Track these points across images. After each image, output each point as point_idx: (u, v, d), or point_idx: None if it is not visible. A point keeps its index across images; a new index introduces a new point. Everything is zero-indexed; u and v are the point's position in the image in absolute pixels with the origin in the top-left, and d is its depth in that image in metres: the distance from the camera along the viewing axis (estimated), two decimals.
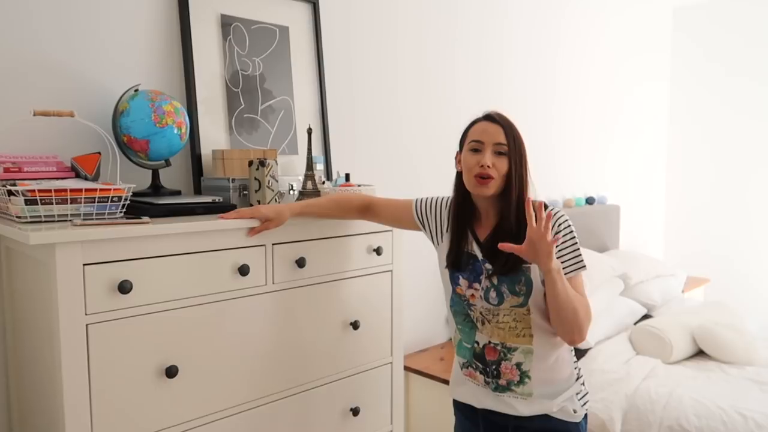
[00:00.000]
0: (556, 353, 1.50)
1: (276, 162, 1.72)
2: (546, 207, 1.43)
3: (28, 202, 1.35)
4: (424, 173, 2.73)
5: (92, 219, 1.40)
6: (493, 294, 1.48)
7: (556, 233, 1.44)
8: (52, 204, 1.37)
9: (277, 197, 1.71)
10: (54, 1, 1.65)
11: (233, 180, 1.74)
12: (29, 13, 1.61)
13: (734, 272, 4.31)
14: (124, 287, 1.32)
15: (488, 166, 1.43)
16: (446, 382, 2.27)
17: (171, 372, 1.41)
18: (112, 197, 1.44)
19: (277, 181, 1.71)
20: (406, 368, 2.53)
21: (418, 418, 2.61)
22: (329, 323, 1.77)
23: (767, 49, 4.11)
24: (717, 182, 4.39)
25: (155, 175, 1.74)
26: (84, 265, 1.28)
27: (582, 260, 1.47)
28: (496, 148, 1.44)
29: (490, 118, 1.48)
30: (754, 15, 4.15)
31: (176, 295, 1.43)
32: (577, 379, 1.55)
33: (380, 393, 1.94)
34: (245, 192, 1.75)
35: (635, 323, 3.10)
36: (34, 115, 1.48)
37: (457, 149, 1.55)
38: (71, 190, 1.39)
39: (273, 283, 1.62)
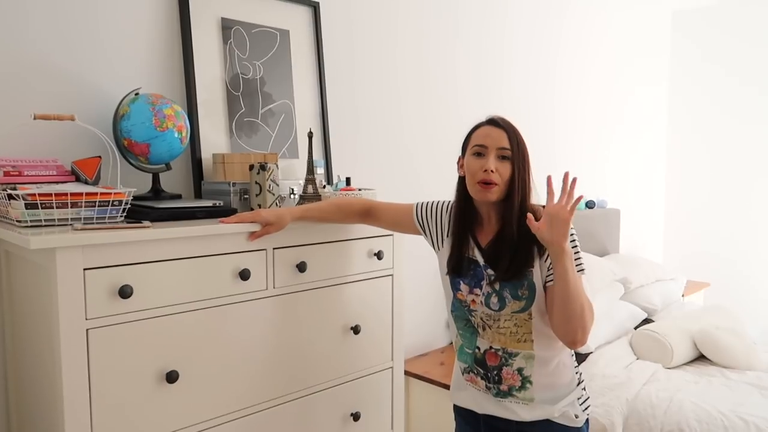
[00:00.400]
0: (557, 358, 1.50)
1: (277, 166, 1.71)
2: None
3: (28, 206, 1.34)
4: (426, 177, 2.72)
5: (93, 223, 1.40)
6: (494, 299, 1.47)
7: None
8: (52, 208, 1.37)
9: (277, 201, 1.70)
10: (54, 5, 1.65)
11: (234, 184, 1.74)
12: (30, 17, 1.61)
13: (734, 276, 4.31)
14: (125, 292, 1.32)
15: (492, 171, 1.42)
16: (447, 386, 2.26)
17: (172, 377, 1.41)
18: (113, 201, 1.44)
19: (277, 185, 1.71)
20: (407, 373, 2.52)
21: (419, 423, 2.60)
22: (330, 328, 1.76)
23: (765, 50, 4.12)
24: (716, 186, 4.40)
25: (156, 178, 1.74)
26: (84, 269, 1.28)
27: (582, 263, 1.46)
28: (499, 153, 1.44)
29: (494, 122, 1.47)
30: (753, 18, 4.16)
31: (177, 299, 1.42)
32: (579, 383, 1.55)
33: (381, 398, 1.93)
34: (246, 196, 1.75)
35: (636, 327, 3.09)
36: (35, 118, 1.47)
37: (459, 154, 1.54)
38: (72, 194, 1.38)
39: (274, 287, 1.61)
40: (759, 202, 4.22)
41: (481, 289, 1.49)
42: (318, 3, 2.23)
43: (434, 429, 2.52)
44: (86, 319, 1.29)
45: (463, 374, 1.60)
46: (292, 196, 1.86)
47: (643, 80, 4.31)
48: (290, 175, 2.09)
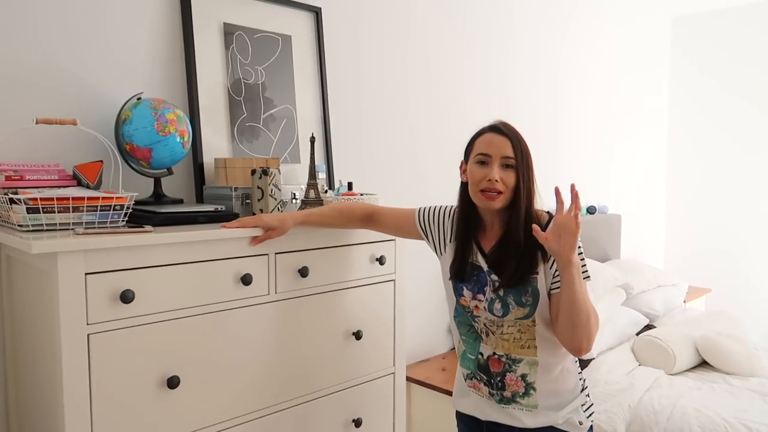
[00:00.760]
0: (561, 365, 1.49)
1: (278, 171, 1.71)
2: (551, 216, 1.43)
3: (30, 210, 1.34)
4: (428, 182, 2.72)
5: (94, 228, 1.40)
6: (497, 305, 1.46)
7: None
8: (54, 212, 1.36)
9: (279, 206, 1.70)
10: (56, 9, 1.65)
11: (236, 189, 1.73)
12: (32, 22, 1.61)
13: (735, 282, 4.30)
14: (126, 297, 1.31)
15: (496, 181, 1.41)
16: (449, 392, 2.25)
17: (173, 382, 1.40)
18: (115, 206, 1.44)
19: (279, 189, 1.70)
20: (409, 378, 2.51)
21: (421, 430, 2.58)
22: (332, 333, 1.75)
23: (766, 59, 4.13)
24: (717, 191, 4.39)
25: (157, 183, 1.73)
26: (86, 274, 1.27)
27: (587, 270, 1.45)
28: (503, 161, 1.42)
29: (497, 129, 1.46)
30: (752, 23, 4.17)
31: (178, 304, 1.42)
32: (582, 390, 1.54)
33: (383, 404, 1.92)
34: (248, 201, 1.74)
35: (637, 333, 3.08)
36: (37, 123, 1.47)
37: (462, 159, 1.54)
38: (73, 199, 1.38)
39: (276, 292, 1.61)
40: (760, 208, 4.22)
41: (484, 294, 1.48)
42: (320, 8, 2.23)
43: None
44: (87, 324, 1.28)
45: (465, 380, 1.59)
46: (293, 200, 1.85)
47: (645, 88, 4.32)
48: (292, 180, 2.08)
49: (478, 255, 1.50)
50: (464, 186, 1.52)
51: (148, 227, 1.41)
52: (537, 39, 3.33)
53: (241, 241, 1.52)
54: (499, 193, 1.41)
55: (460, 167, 1.54)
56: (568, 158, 3.63)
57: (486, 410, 1.55)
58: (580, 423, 1.49)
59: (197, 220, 1.58)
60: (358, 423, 1.83)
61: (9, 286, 1.55)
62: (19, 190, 1.41)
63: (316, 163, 1.84)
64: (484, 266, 1.48)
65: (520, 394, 1.48)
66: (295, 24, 2.16)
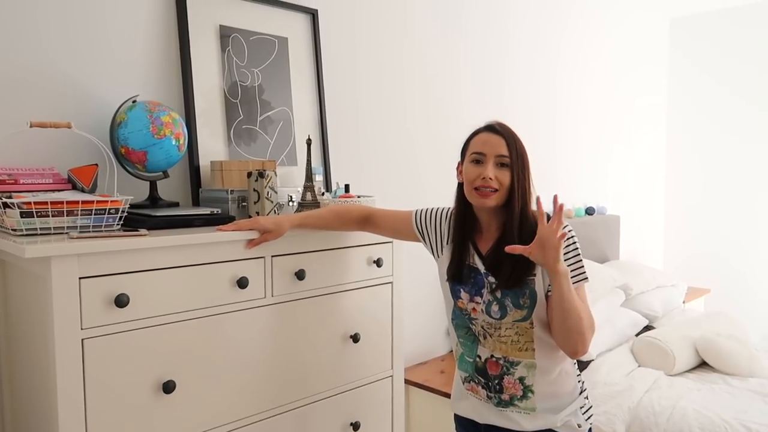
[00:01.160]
0: (559, 367, 1.48)
1: (275, 173, 1.70)
2: (548, 218, 1.42)
3: (24, 214, 1.33)
4: (425, 184, 2.71)
5: (89, 231, 1.39)
6: (495, 308, 1.46)
7: None
8: (48, 216, 1.35)
9: (276, 209, 1.69)
10: (51, 11, 1.64)
11: (232, 191, 1.73)
12: (26, 24, 1.60)
13: (735, 282, 4.30)
14: (121, 301, 1.30)
15: (490, 179, 1.41)
16: (447, 395, 2.24)
17: (168, 387, 1.39)
18: (109, 209, 1.43)
19: (276, 192, 1.69)
20: (407, 381, 2.50)
21: None
22: (329, 336, 1.74)
23: (764, 57, 4.13)
24: (716, 191, 4.39)
25: (153, 186, 1.73)
26: (80, 278, 1.26)
27: (585, 272, 1.45)
28: (498, 160, 1.42)
29: (492, 128, 1.46)
30: (750, 24, 4.17)
31: (174, 308, 1.41)
32: (581, 392, 1.53)
33: (381, 407, 1.91)
34: (244, 203, 1.73)
35: (637, 334, 3.07)
36: (31, 126, 1.46)
37: (459, 160, 1.53)
38: (68, 203, 1.37)
39: (272, 295, 1.60)
40: (759, 207, 4.22)
41: (481, 297, 1.47)
42: (316, 10, 2.23)
43: None
44: (82, 328, 1.27)
45: (463, 383, 1.58)
46: (290, 203, 1.85)
47: (642, 88, 4.32)
48: (289, 183, 2.07)
49: (475, 257, 1.49)
50: (461, 187, 1.51)
51: (143, 231, 1.40)
52: (534, 40, 3.33)
53: (237, 244, 1.51)
54: (494, 191, 1.41)
55: (457, 168, 1.53)
56: (567, 160, 3.63)
57: (484, 413, 1.54)
58: (579, 426, 1.48)
59: (193, 223, 1.57)
60: (356, 426, 1.82)
61: (4, 291, 1.54)
62: (13, 194, 1.40)
63: (312, 165, 1.84)
64: (482, 268, 1.48)
65: (518, 397, 1.47)
66: (291, 26, 2.16)
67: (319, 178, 2.06)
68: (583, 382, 1.55)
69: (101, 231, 1.41)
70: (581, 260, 1.44)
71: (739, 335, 2.93)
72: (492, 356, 1.49)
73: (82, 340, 1.27)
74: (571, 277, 1.42)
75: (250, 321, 1.55)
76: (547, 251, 1.32)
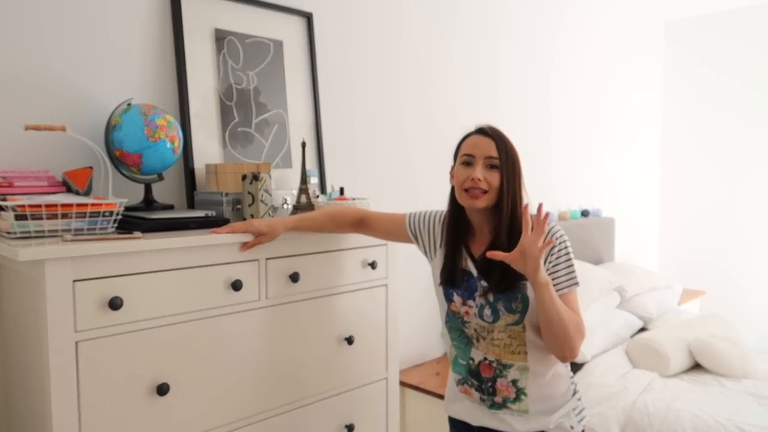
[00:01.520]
0: (552, 369, 1.48)
1: (269, 176, 1.71)
2: None
3: (18, 217, 1.33)
4: (420, 186, 2.72)
5: (83, 234, 1.39)
6: (487, 311, 1.46)
7: (552, 247, 1.43)
8: (42, 219, 1.35)
9: (270, 211, 1.70)
10: (45, 14, 1.64)
11: (226, 194, 1.73)
12: (20, 28, 1.60)
13: (729, 284, 4.31)
14: (115, 303, 1.31)
15: (479, 180, 1.41)
16: (442, 397, 2.25)
17: (162, 390, 1.39)
18: (104, 212, 1.43)
19: (270, 195, 1.70)
20: (402, 383, 2.51)
21: None
22: (324, 338, 1.75)
23: (759, 58, 4.15)
24: (711, 194, 4.41)
25: (148, 189, 1.73)
26: (74, 281, 1.26)
27: (575, 277, 1.45)
28: (487, 162, 1.43)
29: (482, 131, 1.47)
30: (745, 26, 4.19)
31: (168, 311, 1.41)
32: (574, 394, 1.54)
33: (376, 409, 1.91)
34: (238, 206, 1.74)
35: (632, 336, 3.08)
36: (26, 129, 1.47)
37: (452, 164, 1.54)
38: (62, 205, 1.37)
39: (266, 298, 1.60)
40: (753, 209, 4.23)
41: (474, 300, 1.48)
42: (311, 13, 2.23)
43: None
44: (75, 331, 1.27)
45: (457, 385, 1.59)
46: (285, 206, 1.85)
47: (637, 89, 4.34)
48: (284, 185, 2.08)
49: (468, 261, 1.50)
50: (454, 190, 1.52)
51: (137, 233, 1.40)
52: (527, 42, 3.34)
53: (232, 247, 1.51)
54: (484, 192, 1.42)
55: (450, 171, 1.54)
56: (561, 162, 3.64)
57: (477, 415, 1.55)
58: (572, 427, 1.49)
59: (188, 225, 1.58)
60: (350, 429, 1.82)
61: None
62: (7, 196, 1.40)
63: (307, 167, 1.84)
64: (474, 272, 1.48)
65: (511, 399, 1.48)
66: (286, 29, 2.16)
67: (314, 180, 2.07)
68: (575, 384, 1.56)
69: (95, 234, 1.41)
70: (572, 265, 1.45)
71: (733, 337, 2.94)
72: (485, 359, 1.50)
73: (76, 342, 1.27)
74: (562, 282, 1.43)
75: (244, 324, 1.56)
76: (528, 261, 1.32)
